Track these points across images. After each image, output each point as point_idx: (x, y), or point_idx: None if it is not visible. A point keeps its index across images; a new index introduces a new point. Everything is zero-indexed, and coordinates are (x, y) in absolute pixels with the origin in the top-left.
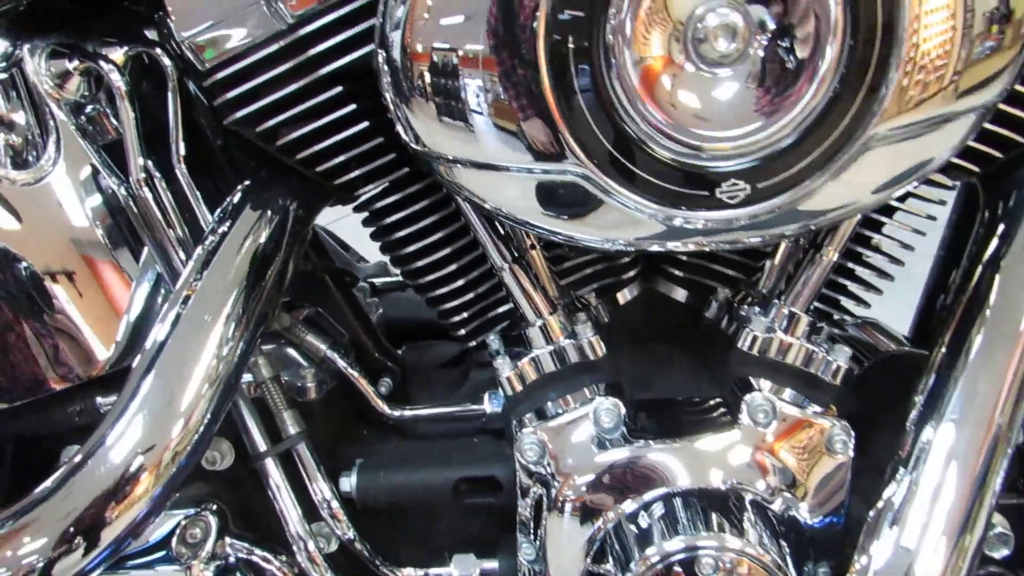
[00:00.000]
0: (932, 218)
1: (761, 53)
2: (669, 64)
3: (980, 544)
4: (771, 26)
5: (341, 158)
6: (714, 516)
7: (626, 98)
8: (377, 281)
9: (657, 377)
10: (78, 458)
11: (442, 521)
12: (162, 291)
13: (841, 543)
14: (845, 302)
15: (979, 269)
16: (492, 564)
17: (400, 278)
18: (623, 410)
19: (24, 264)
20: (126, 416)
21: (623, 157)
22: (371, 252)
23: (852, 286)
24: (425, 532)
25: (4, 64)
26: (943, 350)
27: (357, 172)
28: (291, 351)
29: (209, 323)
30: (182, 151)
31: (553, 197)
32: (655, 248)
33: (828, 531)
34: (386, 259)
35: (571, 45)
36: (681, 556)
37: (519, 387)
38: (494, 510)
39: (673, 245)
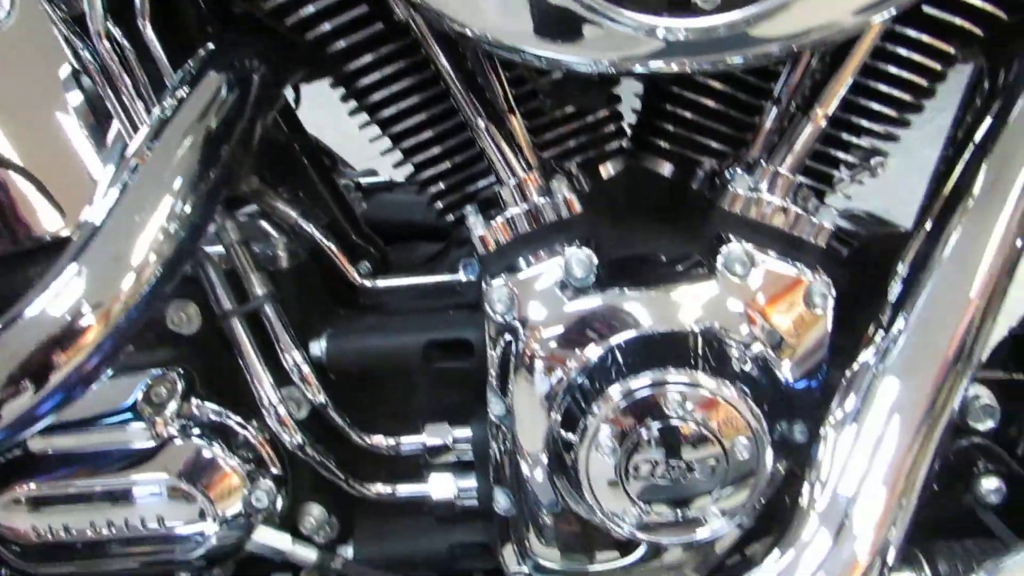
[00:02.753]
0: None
1: None
2: None
3: (954, 416)
4: None
5: (311, 8)
6: (684, 357)
7: None
8: (363, 180)
9: (635, 238)
10: (23, 306)
11: (416, 390)
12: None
13: (819, 407)
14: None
15: (970, 147)
16: (465, 431)
17: (386, 179)
18: (595, 260)
19: None
20: (75, 266)
21: None
22: None
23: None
24: (399, 401)
25: None
26: (925, 229)
27: (328, 26)
28: (262, 222)
29: (166, 180)
30: (147, 8)
31: (538, 17)
32: (640, 69)
33: (806, 393)
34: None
35: None
36: (647, 392)
37: (492, 247)
38: (468, 379)
39: (657, 65)
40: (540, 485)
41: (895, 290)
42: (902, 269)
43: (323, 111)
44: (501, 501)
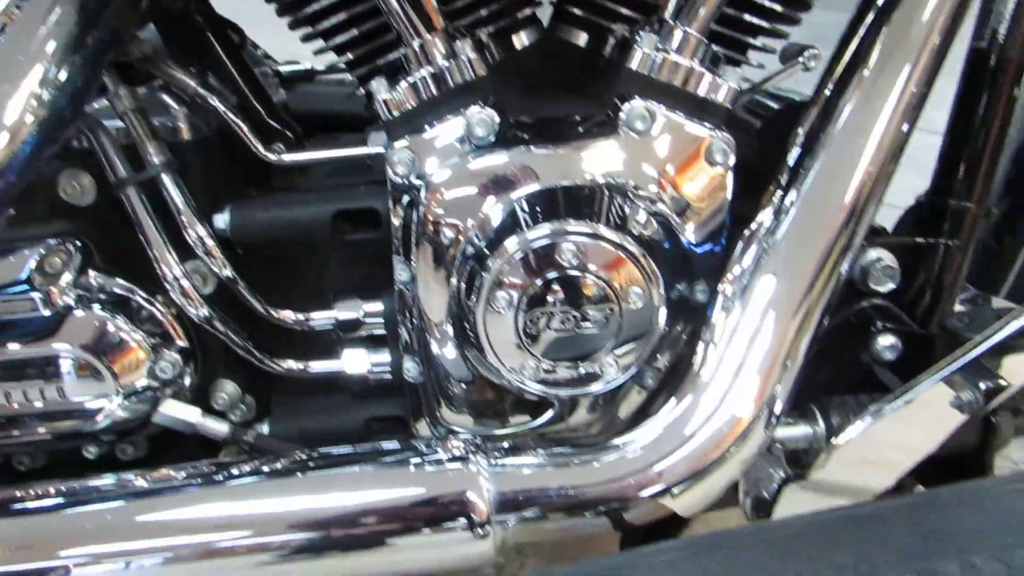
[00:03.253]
0: None
1: None
2: None
3: (856, 279)
4: None
5: None
6: (580, 212)
7: None
8: (284, 69)
9: (543, 103)
10: None
11: (326, 265)
12: None
13: (721, 270)
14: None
15: (871, 14)
16: (377, 306)
17: (307, 67)
18: (497, 119)
19: None
20: None
21: None
22: None
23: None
24: (309, 276)
25: None
26: (824, 95)
27: None
28: (161, 93)
29: (37, 42)
30: None
31: None
32: None
33: (707, 254)
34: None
35: None
36: (541, 244)
37: (397, 113)
38: (380, 253)
39: None
40: (446, 347)
41: (793, 156)
42: (800, 136)
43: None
44: (411, 369)
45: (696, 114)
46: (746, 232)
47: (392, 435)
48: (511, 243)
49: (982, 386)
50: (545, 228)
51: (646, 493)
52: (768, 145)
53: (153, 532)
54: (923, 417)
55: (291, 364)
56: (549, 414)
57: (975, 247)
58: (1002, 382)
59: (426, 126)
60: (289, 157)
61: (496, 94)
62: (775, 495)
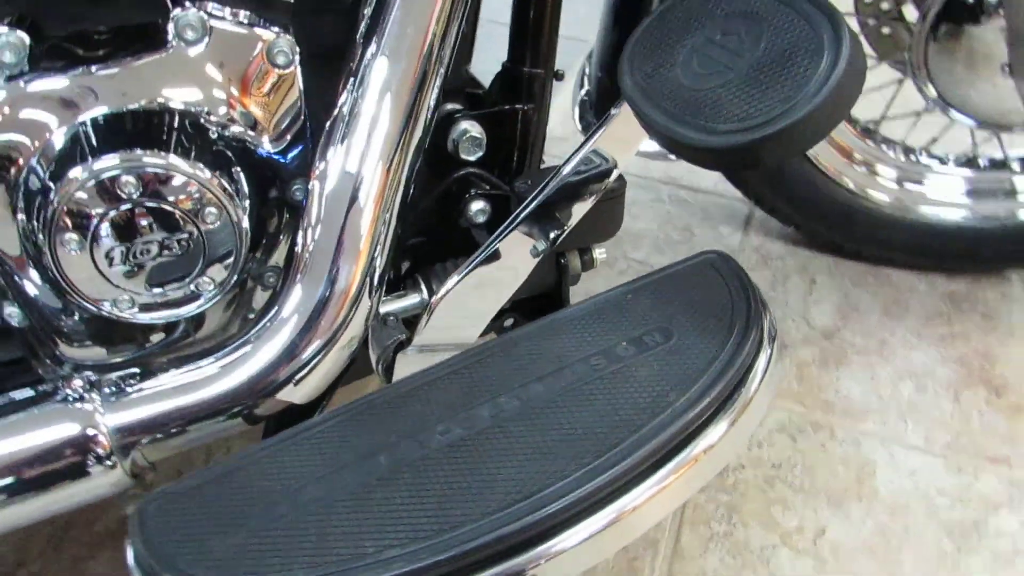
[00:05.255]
0: None
1: None
2: None
3: (421, 146)
4: None
5: None
6: (138, 136)
7: None
8: None
9: (85, 12)
10: None
11: None
12: None
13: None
14: None
15: None
16: None
17: None
18: (28, 41)
19: None
20: None
21: None
22: None
23: None
24: None
25: None
26: None
27: None
28: None
29: None
30: None
31: None
32: None
33: (294, 156)
34: None
35: None
36: (102, 177)
37: None
38: None
39: None
40: (38, 288)
41: (360, 29)
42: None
43: None
44: (13, 315)
45: (255, 13)
46: (329, 117)
47: (17, 379)
48: (70, 178)
49: (550, 234)
50: (102, 160)
51: (263, 392)
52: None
53: None
54: (505, 267)
55: None
56: (163, 335)
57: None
58: (561, 226)
59: None
60: None
61: (32, 8)
62: (392, 362)
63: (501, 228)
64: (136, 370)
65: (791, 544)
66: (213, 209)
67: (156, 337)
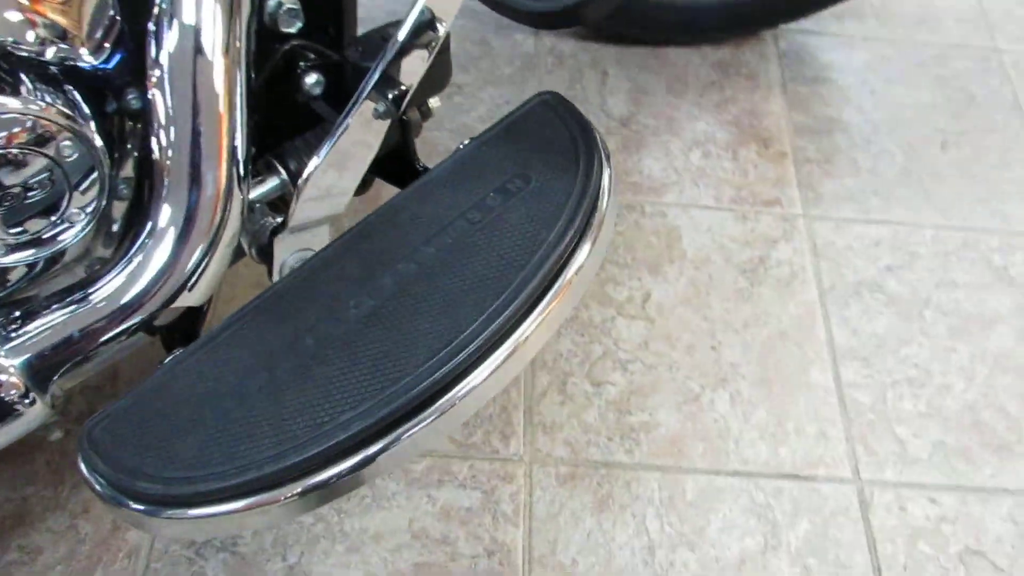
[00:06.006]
0: None
1: None
2: None
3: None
4: None
5: None
6: None
7: None
8: None
9: None
10: None
11: None
12: None
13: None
14: None
15: None
16: None
17: None
18: None
19: None
20: None
21: None
22: None
23: None
24: None
25: None
26: None
27: None
28: None
29: None
30: None
31: None
32: None
33: (123, 63)
34: None
35: None
36: None
37: None
38: None
39: None
40: None
41: None
42: None
43: None
44: None
45: None
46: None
47: None
48: None
49: (391, 95)
50: None
51: (161, 304)
52: None
53: None
54: (358, 135)
55: None
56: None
57: None
58: (403, 87)
59: None
60: None
61: None
62: (269, 247)
63: (351, 101)
64: (28, 307)
65: (625, 313)
66: (64, 139)
67: (33, 274)
